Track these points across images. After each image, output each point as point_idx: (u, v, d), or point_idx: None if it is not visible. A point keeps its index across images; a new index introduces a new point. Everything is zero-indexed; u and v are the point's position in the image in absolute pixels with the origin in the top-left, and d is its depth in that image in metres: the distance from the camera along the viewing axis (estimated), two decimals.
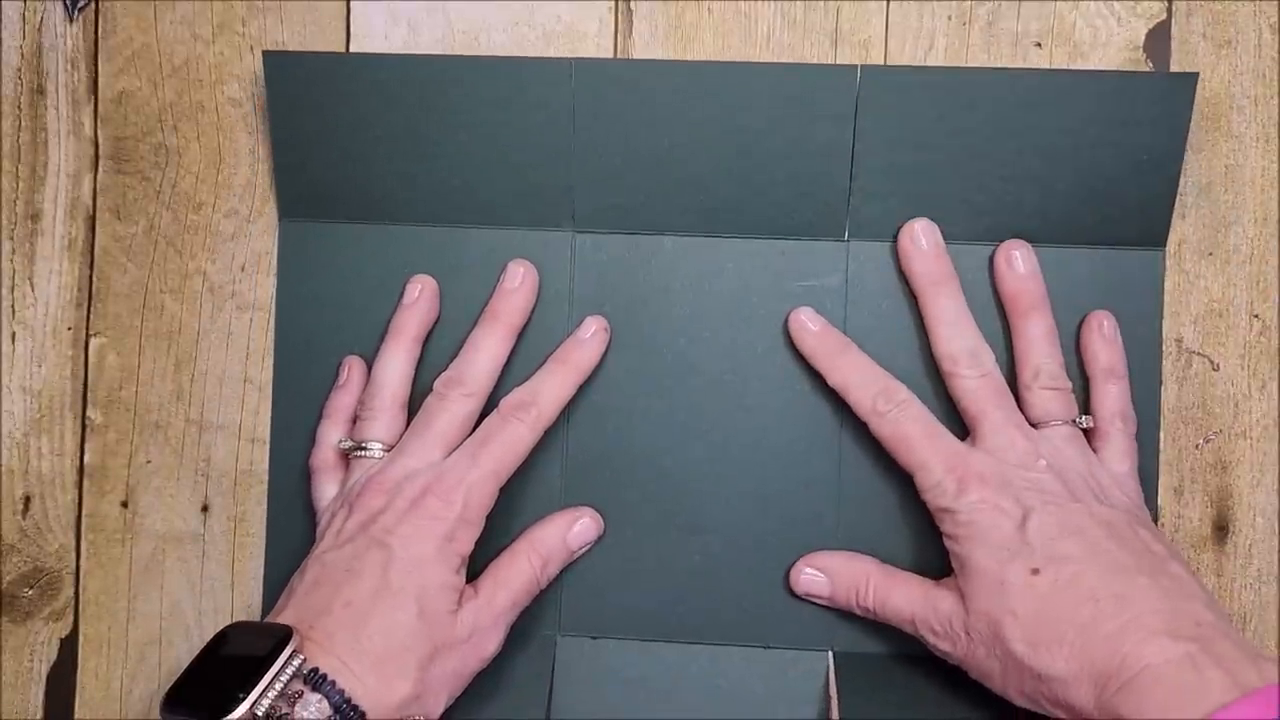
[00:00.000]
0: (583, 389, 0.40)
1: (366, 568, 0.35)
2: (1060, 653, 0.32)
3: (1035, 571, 0.34)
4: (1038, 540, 0.34)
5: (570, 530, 0.39)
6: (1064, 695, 0.32)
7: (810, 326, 0.39)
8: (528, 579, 0.38)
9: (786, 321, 0.40)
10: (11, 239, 0.43)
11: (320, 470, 0.40)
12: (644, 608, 0.40)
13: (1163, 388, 0.40)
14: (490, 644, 0.37)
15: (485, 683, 0.37)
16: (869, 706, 0.38)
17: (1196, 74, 0.38)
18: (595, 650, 0.40)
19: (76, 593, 0.42)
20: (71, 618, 0.42)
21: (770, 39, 0.41)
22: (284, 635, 0.32)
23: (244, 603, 0.42)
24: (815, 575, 0.39)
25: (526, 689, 0.39)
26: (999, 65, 0.41)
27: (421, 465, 0.37)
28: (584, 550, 0.40)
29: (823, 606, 0.40)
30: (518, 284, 0.40)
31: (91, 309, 0.43)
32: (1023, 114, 0.39)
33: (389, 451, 0.38)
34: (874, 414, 0.38)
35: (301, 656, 0.32)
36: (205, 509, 0.42)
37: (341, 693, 0.32)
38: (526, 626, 0.40)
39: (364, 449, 0.39)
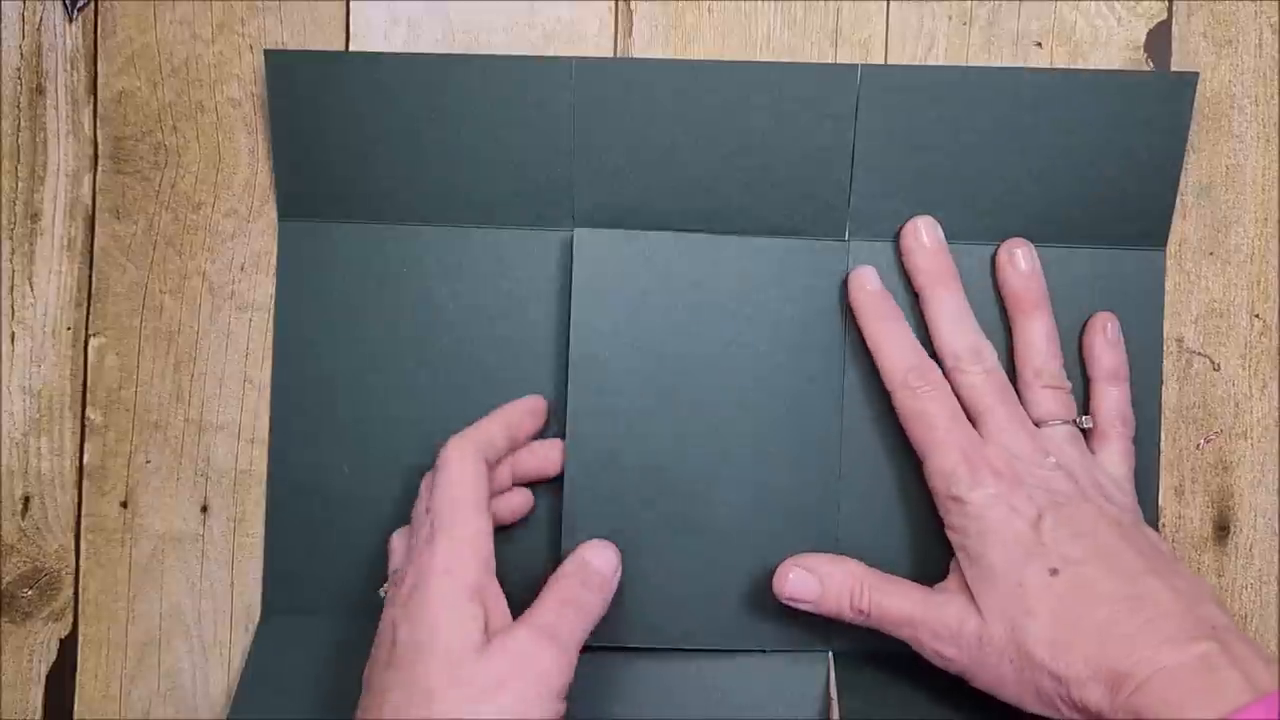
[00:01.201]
0: (583, 388, 0.40)
1: None
2: (1079, 653, 0.32)
3: (1054, 572, 0.34)
4: (1052, 540, 0.34)
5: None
6: (1080, 696, 0.32)
7: (867, 285, 0.39)
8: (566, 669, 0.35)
9: (846, 277, 0.40)
10: (11, 239, 0.43)
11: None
12: (643, 610, 0.40)
13: (1163, 388, 0.40)
14: None
15: None
16: (869, 708, 0.38)
17: (1197, 74, 0.38)
18: (594, 655, 0.40)
19: (76, 593, 0.42)
20: (71, 618, 0.42)
21: (770, 39, 0.41)
22: None
23: (244, 604, 0.42)
24: (804, 575, 0.38)
25: None
26: (999, 65, 0.41)
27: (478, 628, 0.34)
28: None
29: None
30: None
31: (91, 309, 0.43)
32: (1024, 113, 0.39)
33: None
34: (903, 386, 0.38)
35: None
36: (205, 509, 0.42)
37: None
38: None
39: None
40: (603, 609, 0.36)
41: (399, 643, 0.34)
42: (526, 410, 0.40)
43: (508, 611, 0.35)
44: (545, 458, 0.40)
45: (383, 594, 0.37)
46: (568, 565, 0.37)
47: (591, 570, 0.37)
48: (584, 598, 0.36)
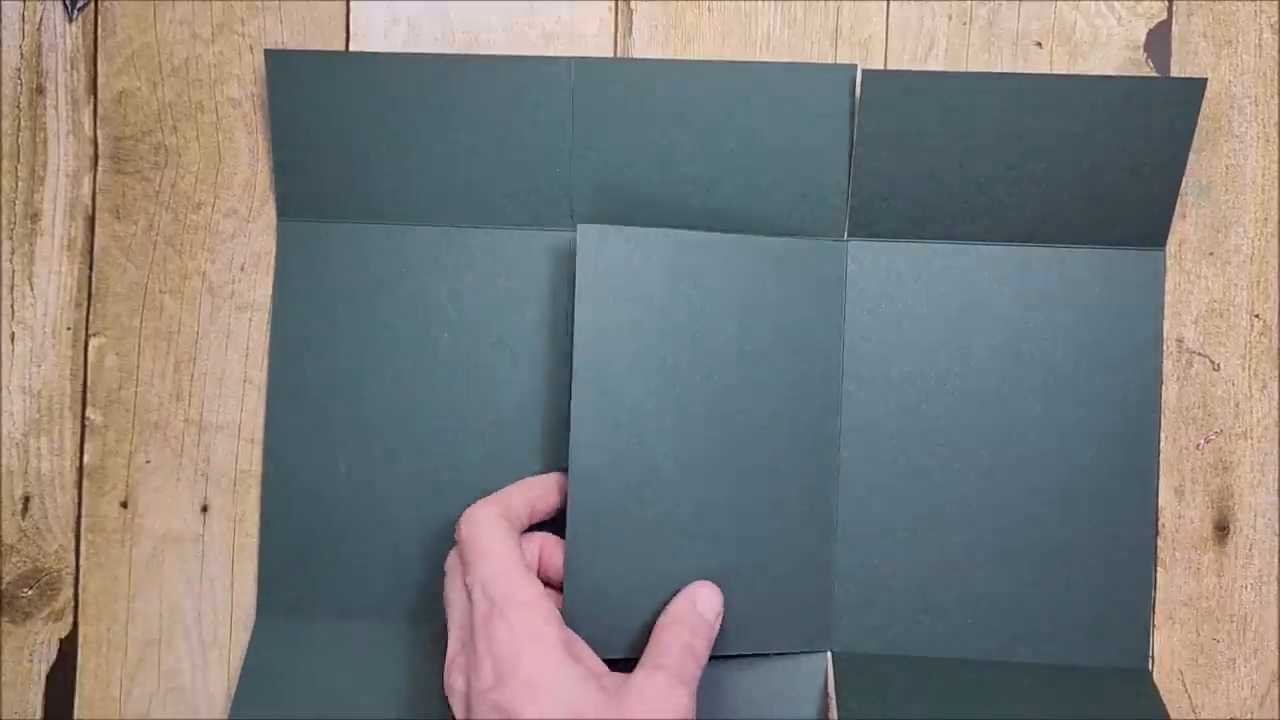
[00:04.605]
0: (586, 388, 0.40)
1: None
2: None
3: None
4: None
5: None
6: None
7: None
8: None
9: None
10: (11, 239, 0.43)
11: None
12: (642, 612, 0.40)
13: (1163, 388, 0.40)
14: None
15: None
16: (869, 708, 0.38)
17: (1205, 79, 0.38)
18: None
19: (76, 593, 0.42)
20: (71, 618, 0.42)
21: (770, 39, 0.41)
22: None
23: (243, 604, 0.42)
24: None
25: None
26: (999, 64, 0.41)
27: None
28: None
29: (822, 609, 0.40)
30: None
31: (91, 309, 0.43)
32: (1027, 118, 0.39)
33: None
34: None
35: None
36: (205, 509, 0.42)
37: None
38: None
39: None
40: (708, 655, 0.37)
41: None
42: (549, 486, 0.39)
43: (596, 656, 0.35)
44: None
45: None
46: (680, 607, 0.37)
47: (702, 621, 0.37)
48: (698, 646, 0.36)
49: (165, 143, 0.42)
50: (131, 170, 0.42)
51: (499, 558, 0.34)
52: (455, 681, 0.34)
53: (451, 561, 0.37)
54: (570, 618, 0.38)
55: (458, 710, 0.34)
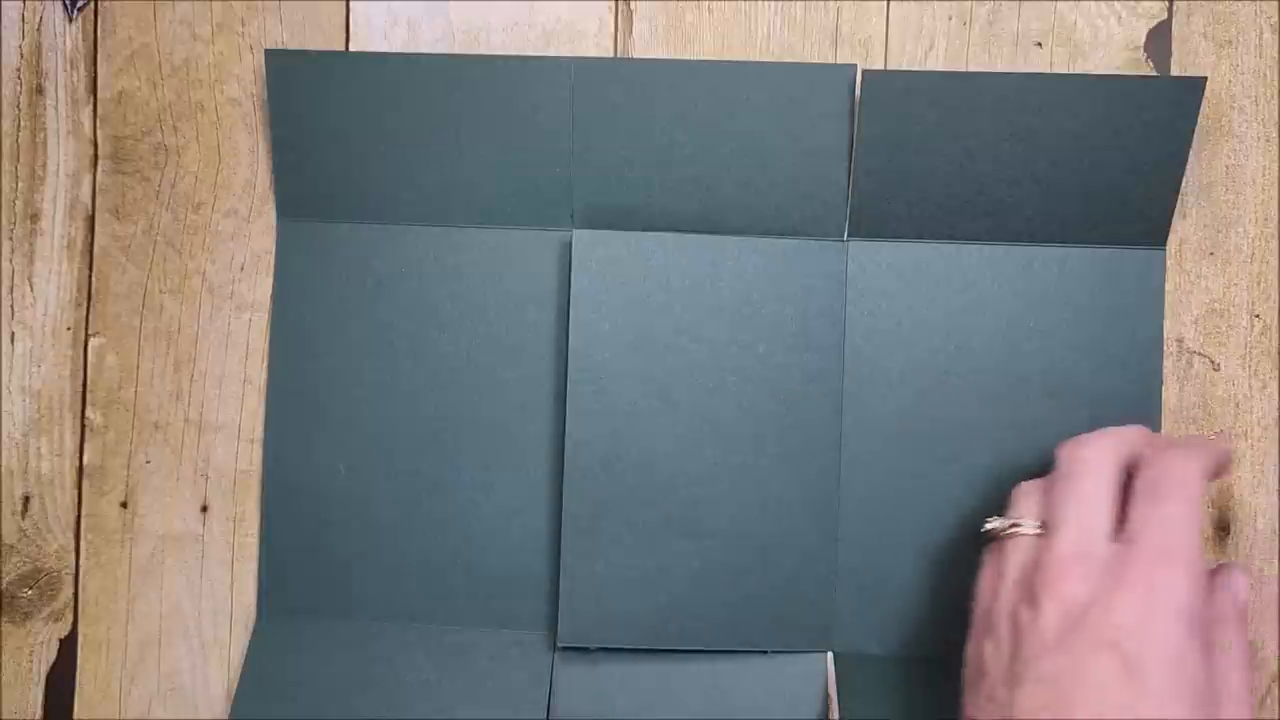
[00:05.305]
0: (581, 389, 0.40)
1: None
2: None
3: None
4: None
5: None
6: None
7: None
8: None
9: None
10: (11, 239, 0.43)
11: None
12: (642, 612, 0.40)
13: (1163, 388, 0.40)
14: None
15: (484, 691, 0.37)
16: (869, 708, 0.38)
17: (1204, 78, 0.38)
18: (593, 655, 0.40)
19: (76, 593, 0.42)
20: (71, 618, 0.42)
21: (770, 39, 0.41)
22: None
23: (244, 604, 0.42)
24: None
25: (525, 695, 0.39)
26: (999, 64, 0.41)
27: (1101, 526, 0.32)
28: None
29: (822, 609, 0.40)
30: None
31: (91, 309, 0.43)
32: (1027, 118, 0.39)
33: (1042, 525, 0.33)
34: None
35: None
36: (205, 509, 0.42)
37: None
38: (524, 635, 0.40)
39: (1017, 525, 0.34)
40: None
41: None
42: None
43: None
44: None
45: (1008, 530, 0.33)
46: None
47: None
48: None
49: (165, 143, 0.42)
50: (131, 170, 0.42)
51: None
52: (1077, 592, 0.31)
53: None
54: (567, 615, 0.38)
55: (1050, 621, 0.31)
